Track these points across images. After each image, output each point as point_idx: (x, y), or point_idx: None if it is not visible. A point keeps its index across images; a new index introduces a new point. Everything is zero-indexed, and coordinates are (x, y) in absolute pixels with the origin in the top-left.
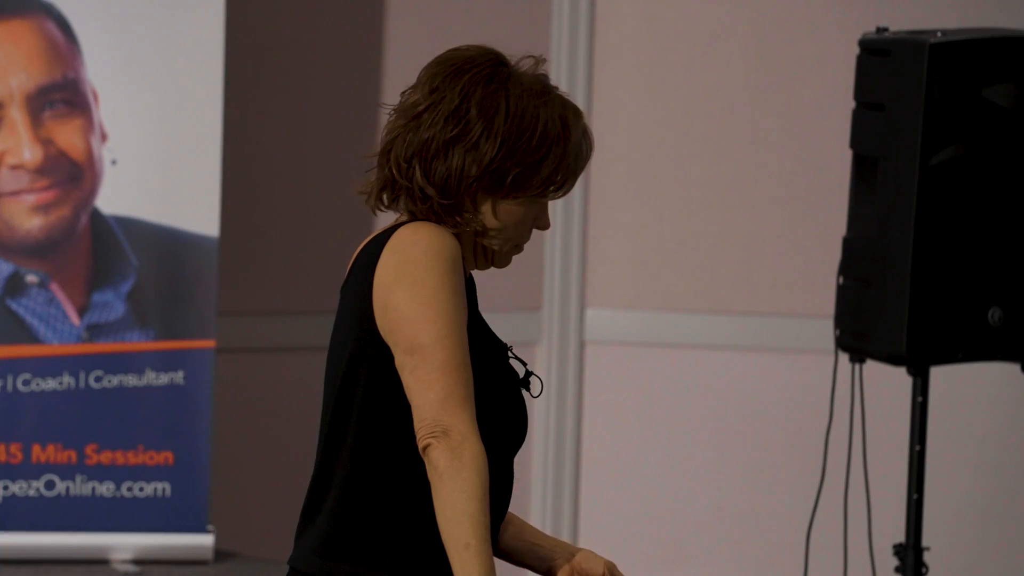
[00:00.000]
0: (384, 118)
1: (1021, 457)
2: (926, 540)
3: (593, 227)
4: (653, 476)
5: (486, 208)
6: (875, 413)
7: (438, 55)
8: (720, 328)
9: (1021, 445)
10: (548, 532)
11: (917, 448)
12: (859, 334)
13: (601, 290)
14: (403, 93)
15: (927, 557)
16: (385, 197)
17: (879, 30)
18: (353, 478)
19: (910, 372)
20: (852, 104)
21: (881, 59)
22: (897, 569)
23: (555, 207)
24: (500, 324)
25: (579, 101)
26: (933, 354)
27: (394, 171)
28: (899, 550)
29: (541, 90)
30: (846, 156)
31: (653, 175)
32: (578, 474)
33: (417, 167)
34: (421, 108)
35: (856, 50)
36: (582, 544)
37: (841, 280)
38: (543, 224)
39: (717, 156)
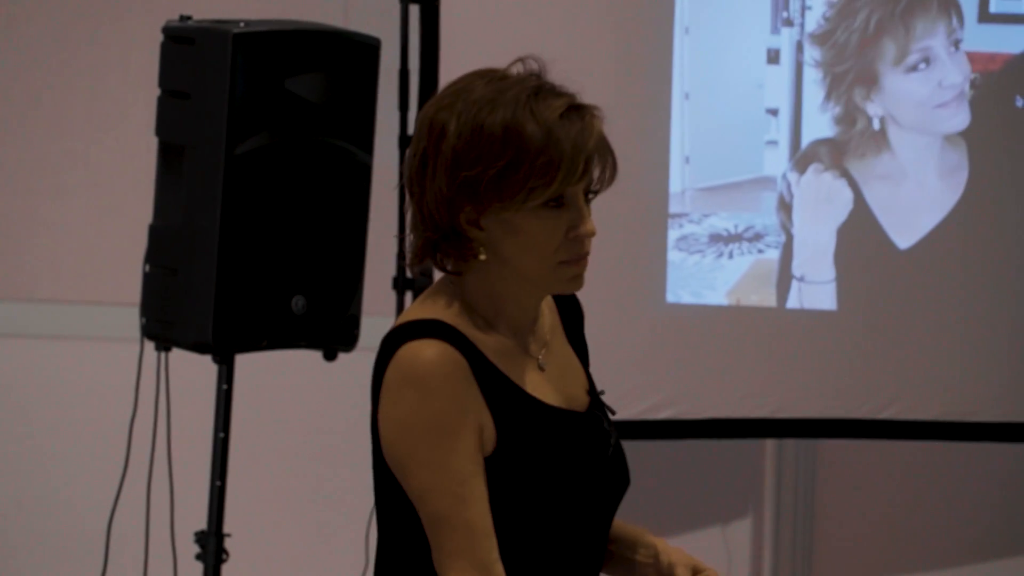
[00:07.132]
0: None
1: (325, 443)
2: (228, 527)
3: None
4: None
5: (495, 232)
6: (182, 402)
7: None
8: (27, 316)
9: (328, 430)
10: None
11: (221, 435)
12: (165, 322)
13: None
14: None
15: (228, 544)
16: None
17: (183, 18)
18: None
19: (215, 360)
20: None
21: (185, 47)
22: (198, 556)
23: None
24: None
25: None
26: (238, 342)
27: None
28: (201, 537)
29: (492, 96)
30: (154, 143)
31: None
32: None
33: (419, 216)
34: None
35: (161, 37)
36: None
37: (147, 268)
38: (579, 230)
39: (22, 143)
